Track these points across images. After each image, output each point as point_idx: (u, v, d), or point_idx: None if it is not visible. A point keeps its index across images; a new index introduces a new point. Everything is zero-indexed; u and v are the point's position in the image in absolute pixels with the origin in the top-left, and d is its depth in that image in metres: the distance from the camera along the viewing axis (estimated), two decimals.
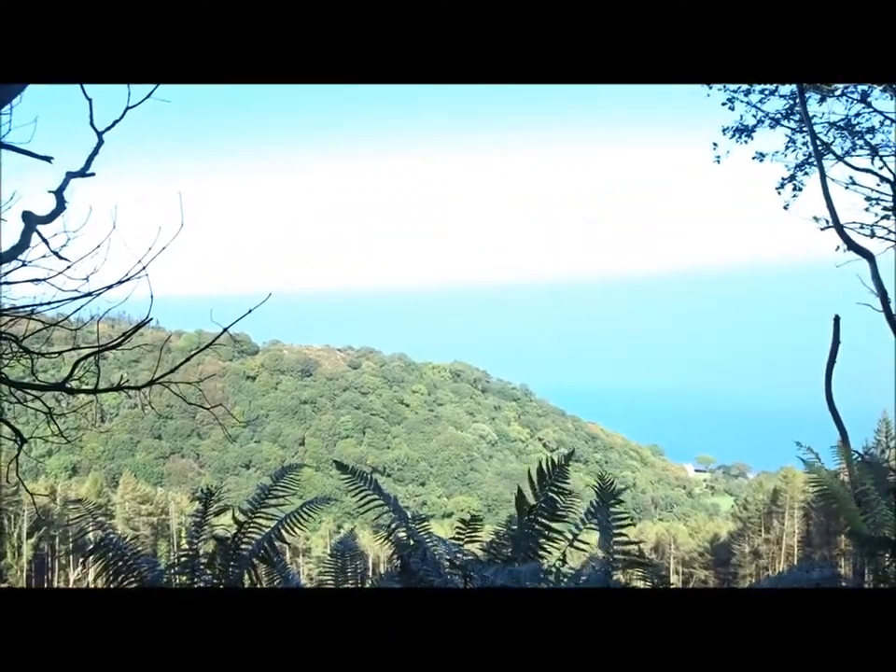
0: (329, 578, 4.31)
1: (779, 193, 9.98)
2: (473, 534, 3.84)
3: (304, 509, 4.11)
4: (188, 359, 3.78)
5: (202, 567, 3.77)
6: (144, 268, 3.08)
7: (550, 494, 3.88)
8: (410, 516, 3.94)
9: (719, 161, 9.83)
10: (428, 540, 3.65)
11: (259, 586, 3.53)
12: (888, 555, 3.99)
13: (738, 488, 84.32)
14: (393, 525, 3.76)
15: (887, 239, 10.24)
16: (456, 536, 3.87)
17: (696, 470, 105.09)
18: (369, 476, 3.93)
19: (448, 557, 3.46)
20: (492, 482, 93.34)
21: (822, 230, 8.59)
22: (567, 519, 3.91)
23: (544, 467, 3.96)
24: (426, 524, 3.91)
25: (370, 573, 4.39)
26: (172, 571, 4.03)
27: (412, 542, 3.65)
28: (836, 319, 6.70)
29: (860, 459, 5.01)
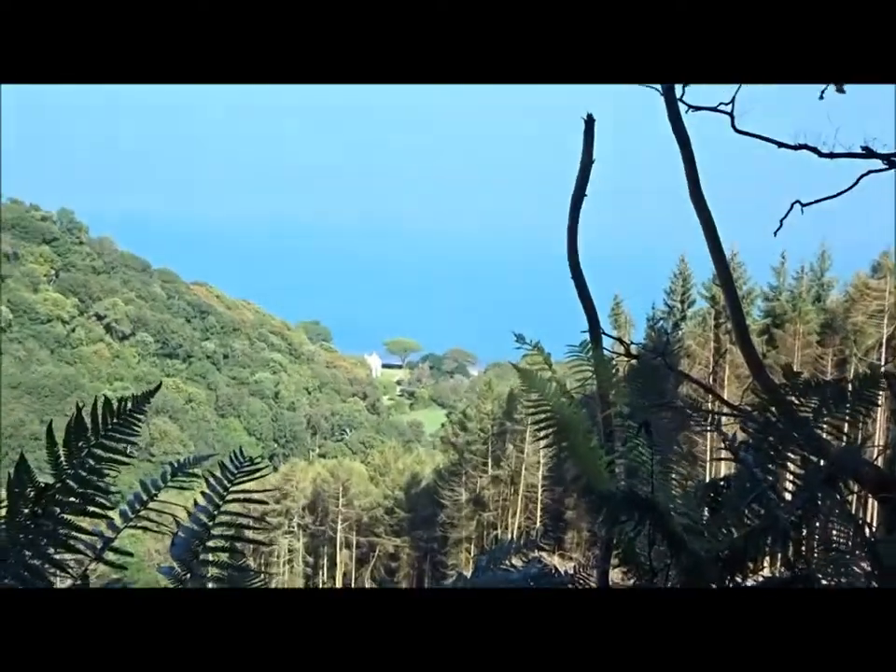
0: None
1: None
2: None
3: None
4: None
5: None
6: None
7: (89, 462, 1.88)
8: None
9: None
10: None
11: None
12: (641, 519, 2.40)
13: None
14: None
15: None
16: None
17: None
18: None
19: None
20: None
21: None
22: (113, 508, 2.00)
23: (85, 416, 1.93)
24: None
25: None
26: None
27: None
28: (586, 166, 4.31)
29: (636, 362, 3.21)
